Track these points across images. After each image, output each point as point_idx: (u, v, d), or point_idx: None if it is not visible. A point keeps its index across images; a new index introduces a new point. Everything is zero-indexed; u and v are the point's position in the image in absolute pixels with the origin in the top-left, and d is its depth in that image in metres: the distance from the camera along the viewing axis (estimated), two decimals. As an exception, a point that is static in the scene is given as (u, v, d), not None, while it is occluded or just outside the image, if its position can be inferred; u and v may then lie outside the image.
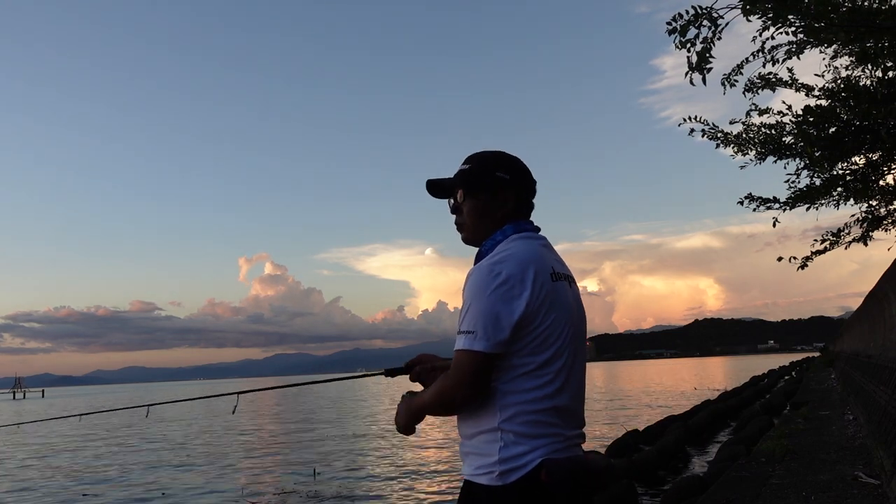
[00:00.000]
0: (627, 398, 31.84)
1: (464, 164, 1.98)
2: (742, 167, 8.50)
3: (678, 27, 4.49)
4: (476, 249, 1.95)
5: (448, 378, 1.75)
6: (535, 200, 1.99)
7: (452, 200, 1.99)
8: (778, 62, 6.79)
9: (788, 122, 7.67)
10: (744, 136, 8.02)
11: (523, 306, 1.71)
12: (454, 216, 2.00)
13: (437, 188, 2.01)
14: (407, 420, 1.90)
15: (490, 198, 1.91)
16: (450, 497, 10.22)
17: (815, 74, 7.57)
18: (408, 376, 2.17)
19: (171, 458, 16.59)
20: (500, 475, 1.69)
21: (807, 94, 7.70)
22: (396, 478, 12.11)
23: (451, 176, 1.99)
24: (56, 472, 15.13)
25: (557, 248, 1.96)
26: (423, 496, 10.42)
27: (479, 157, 1.97)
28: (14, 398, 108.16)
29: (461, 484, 1.85)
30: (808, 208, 8.31)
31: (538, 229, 1.95)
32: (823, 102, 7.45)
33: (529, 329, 1.72)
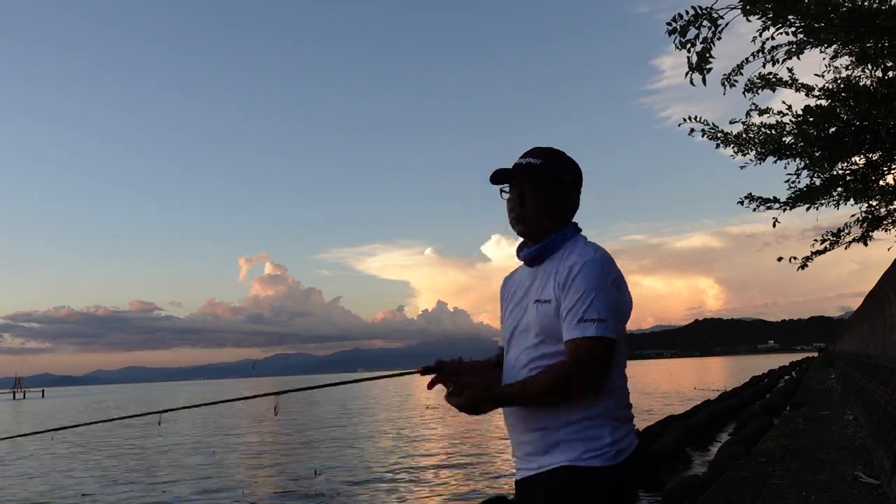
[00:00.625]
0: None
1: (532, 157, 2.02)
2: (742, 167, 8.50)
3: (678, 27, 4.49)
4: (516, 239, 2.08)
5: (577, 364, 1.80)
6: None
7: (511, 190, 2.03)
8: (778, 62, 6.79)
9: (788, 122, 7.67)
10: (744, 136, 8.01)
11: (629, 302, 1.93)
12: (513, 205, 2.02)
13: (499, 176, 2.03)
14: (490, 407, 1.85)
15: (556, 197, 2.01)
16: (451, 496, 10.23)
17: (815, 74, 7.57)
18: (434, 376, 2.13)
19: (172, 458, 16.59)
20: (615, 455, 1.82)
21: (807, 94, 7.70)
22: (397, 477, 12.12)
23: (511, 166, 2.03)
24: (55, 471, 15.14)
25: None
26: (424, 496, 10.42)
27: (551, 155, 2.04)
28: (14, 398, 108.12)
29: (541, 474, 1.85)
30: (808, 208, 8.31)
31: None
32: (823, 102, 7.44)
33: (625, 324, 1.94)
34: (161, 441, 20.91)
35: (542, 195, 1.99)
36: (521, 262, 2.09)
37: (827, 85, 7.54)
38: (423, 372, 2.20)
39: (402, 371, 2.40)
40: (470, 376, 2.08)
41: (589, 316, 1.80)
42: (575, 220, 2.06)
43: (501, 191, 2.05)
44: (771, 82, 7.52)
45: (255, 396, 3.01)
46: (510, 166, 2.04)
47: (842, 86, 7.32)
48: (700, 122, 8.02)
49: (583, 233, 2.04)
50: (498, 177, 2.04)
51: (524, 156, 2.04)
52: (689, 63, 4.59)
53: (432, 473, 12.40)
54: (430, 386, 2.06)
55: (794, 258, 8.41)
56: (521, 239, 2.08)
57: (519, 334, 1.98)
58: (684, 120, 7.93)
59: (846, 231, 8.64)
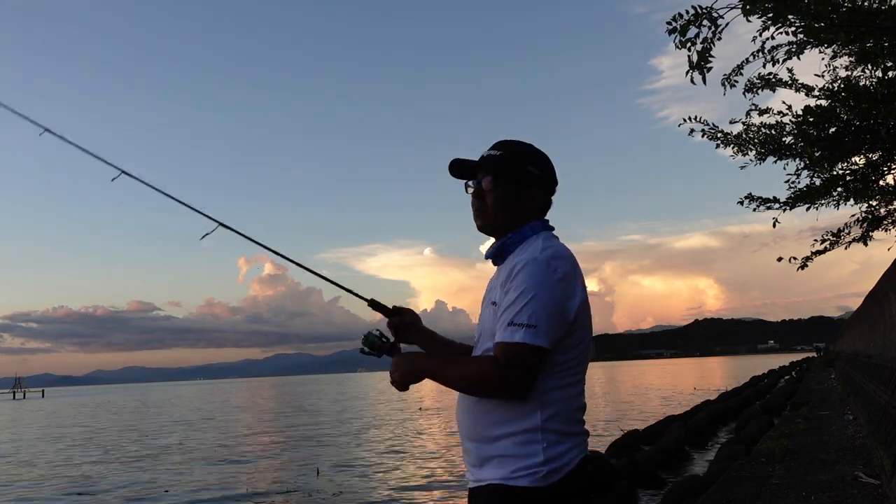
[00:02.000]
0: (627, 398, 31.83)
1: (494, 149, 1.90)
2: (742, 167, 8.50)
3: (678, 27, 4.49)
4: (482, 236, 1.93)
5: (497, 368, 1.65)
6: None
7: (473, 183, 1.91)
8: (778, 62, 6.79)
9: (788, 122, 7.68)
10: (744, 136, 8.02)
11: (577, 305, 1.71)
12: (473, 200, 1.91)
13: (460, 168, 1.92)
14: (412, 379, 1.84)
15: (519, 190, 1.85)
16: (452, 494, 10.23)
17: (815, 74, 7.58)
18: (388, 320, 2.12)
19: (173, 457, 16.59)
20: (546, 475, 1.65)
21: (807, 95, 7.71)
22: (399, 476, 12.13)
23: (478, 158, 1.91)
24: (54, 468, 15.15)
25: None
26: (426, 495, 10.43)
27: (512, 147, 1.89)
28: (14, 398, 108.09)
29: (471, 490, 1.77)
30: (808, 208, 8.32)
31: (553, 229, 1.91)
32: (823, 102, 7.45)
33: (575, 328, 1.72)
34: (162, 440, 20.93)
35: (501, 189, 1.84)
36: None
37: (827, 85, 7.55)
38: (373, 305, 2.14)
39: (352, 291, 2.19)
40: (406, 335, 2.08)
41: (519, 320, 1.64)
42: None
43: (466, 185, 1.93)
44: (771, 82, 7.53)
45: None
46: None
47: (842, 86, 7.33)
48: (700, 122, 8.03)
49: (553, 232, 1.88)
50: (461, 170, 1.92)
51: (489, 149, 1.91)
52: (690, 62, 4.59)
53: (434, 473, 12.39)
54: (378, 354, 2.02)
55: (794, 258, 8.41)
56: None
57: (479, 336, 1.86)
58: (684, 120, 7.93)
59: (846, 231, 8.64)
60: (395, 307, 2.14)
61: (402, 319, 2.11)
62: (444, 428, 20.61)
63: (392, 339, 2.04)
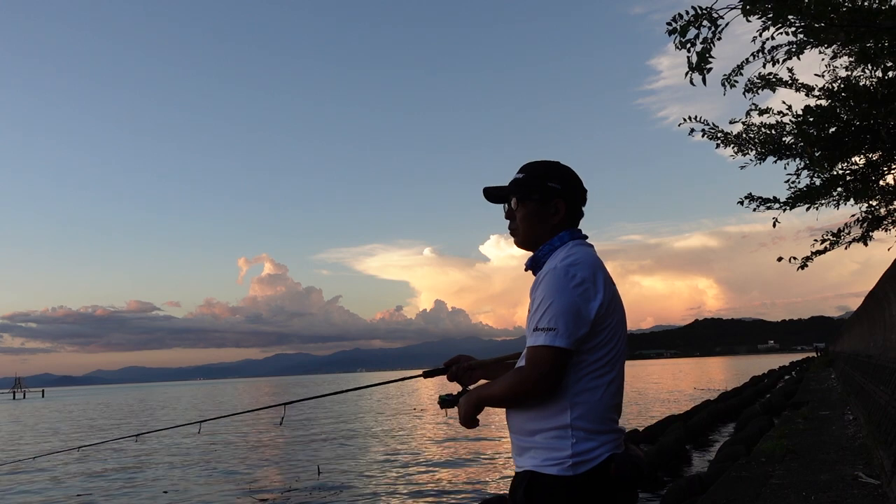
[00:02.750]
0: (627, 398, 31.79)
1: (518, 172, 2.11)
2: (742, 167, 8.50)
3: (678, 27, 4.49)
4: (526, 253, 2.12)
5: (525, 372, 1.83)
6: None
7: (507, 206, 2.13)
8: (778, 62, 6.79)
9: (788, 122, 7.67)
10: (744, 136, 8.01)
11: (597, 306, 1.85)
12: (508, 221, 2.14)
13: (492, 195, 2.16)
14: (473, 412, 1.99)
15: (541, 206, 2.05)
16: (455, 494, 10.24)
17: (815, 74, 7.57)
18: (445, 377, 2.33)
19: (176, 456, 16.59)
20: (572, 466, 1.81)
21: (807, 94, 7.70)
22: (401, 475, 12.14)
23: (507, 184, 2.14)
24: (56, 466, 15.15)
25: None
26: (428, 494, 10.43)
27: (532, 167, 2.10)
28: (14, 398, 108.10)
29: (515, 474, 1.94)
30: (808, 208, 8.30)
31: (586, 237, 2.08)
32: (823, 102, 7.44)
33: (600, 329, 1.86)
34: (165, 439, 20.92)
35: (526, 208, 2.06)
36: None
37: (827, 85, 7.54)
38: (427, 375, 2.38)
39: (405, 376, 2.55)
40: (471, 378, 2.28)
41: (540, 325, 1.81)
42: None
43: (504, 209, 2.16)
44: (771, 82, 7.52)
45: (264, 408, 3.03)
46: (506, 179, 2.15)
47: (842, 86, 7.32)
48: (700, 122, 8.03)
49: (585, 239, 2.06)
50: (491, 196, 2.17)
51: (516, 173, 2.14)
52: (690, 63, 4.59)
53: (433, 472, 12.40)
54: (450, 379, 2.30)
55: (795, 258, 8.40)
56: None
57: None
58: (684, 120, 7.93)
59: (846, 231, 8.64)
60: (445, 363, 2.37)
61: (455, 370, 2.32)
62: (449, 426, 20.61)
63: (459, 390, 2.23)
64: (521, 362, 1.93)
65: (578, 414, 1.83)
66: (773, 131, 7.82)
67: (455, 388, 2.25)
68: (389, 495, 10.52)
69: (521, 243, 2.11)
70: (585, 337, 1.83)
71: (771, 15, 5.15)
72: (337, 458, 14.86)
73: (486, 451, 14.72)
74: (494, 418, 17.26)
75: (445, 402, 2.24)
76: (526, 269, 2.10)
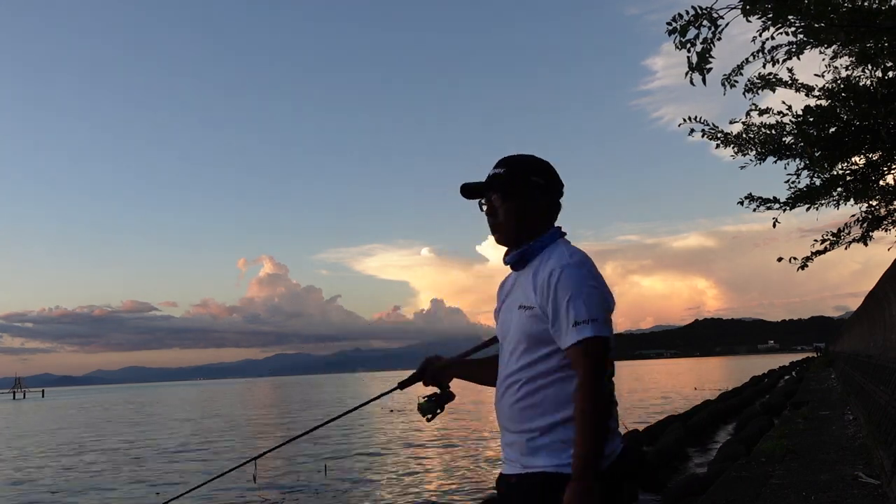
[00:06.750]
0: (627, 398, 31.82)
1: (497, 167, 2.05)
2: (742, 167, 8.49)
3: (678, 27, 4.49)
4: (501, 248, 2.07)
5: (590, 370, 1.77)
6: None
7: (484, 202, 2.07)
8: (778, 62, 6.79)
9: (788, 122, 7.66)
10: (744, 136, 8.01)
11: (612, 299, 1.91)
12: (488, 217, 2.07)
13: (470, 192, 2.08)
14: (600, 446, 1.76)
15: (526, 202, 2.00)
16: (458, 493, 10.23)
17: (815, 74, 7.56)
18: (421, 383, 2.32)
19: (179, 455, 16.59)
20: None
21: (807, 95, 7.69)
22: (405, 475, 12.15)
23: (483, 179, 2.06)
24: (58, 465, 15.16)
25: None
26: (431, 494, 10.43)
27: (513, 162, 2.05)
28: (14, 398, 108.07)
29: (521, 478, 1.86)
30: (808, 208, 8.30)
31: (565, 233, 2.06)
32: (823, 102, 7.43)
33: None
34: (168, 437, 20.92)
35: (510, 204, 2.00)
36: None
37: (827, 85, 7.54)
38: (402, 386, 2.35)
39: (380, 394, 2.69)
40: (446, 377, 2.29)
41: (580, 318, 1.79)
42: (565, 222, 2.06)
43: (480, 204, 2.09)
44: (771, 82, 7.51)
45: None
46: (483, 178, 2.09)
47: (842, 86, 7.32)
48: (700, 122, 8.03)
49: (566, 236, 2.04)
50: (469, 191, 2.08)
51: (493, 168, 2.07)
52: (690, 63, 4.58)
53: (441, 471, 12.40)
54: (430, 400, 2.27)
55: (795, 258, 8.39)
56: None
57: (507, 338, 2.00)
58: (684, 120, 7.92)
59: (846, 231, 8.63)
60: (417, 370, 2.33)
61: (428, 374, 2.30)
62: (450, 426, 20.61)
63: (436, 392, 2.26)
64: (571, 362, 1.82)
65: None
66: (773, 131, 7.82)
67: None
68: (396, 494, 10.52)
69: (504, 240, 2.05)
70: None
71: (771, 15, 5.16)
72: (344, 456, 14.91)
73: (489, 451, 14.71)
74: (494, 418, 17.23)
75: (425, 408, 2.18)
76: (507, 264, 2.06)
